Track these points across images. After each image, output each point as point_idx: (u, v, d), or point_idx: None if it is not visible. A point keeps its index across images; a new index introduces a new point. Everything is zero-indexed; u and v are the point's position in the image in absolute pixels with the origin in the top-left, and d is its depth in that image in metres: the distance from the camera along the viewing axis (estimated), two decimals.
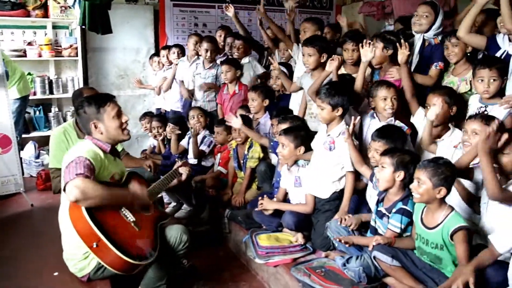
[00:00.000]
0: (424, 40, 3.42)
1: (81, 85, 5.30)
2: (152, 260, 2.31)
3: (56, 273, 2.46)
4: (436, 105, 2.75)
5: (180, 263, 2.78)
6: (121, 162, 2.56)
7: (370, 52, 3.14)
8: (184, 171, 2.93)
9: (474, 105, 2.89)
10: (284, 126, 3.26)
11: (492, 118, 2.46)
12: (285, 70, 4.11)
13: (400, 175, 2.48)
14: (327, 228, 2.81)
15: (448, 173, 2.25)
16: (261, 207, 3.09)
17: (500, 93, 2.83)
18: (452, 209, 2.30)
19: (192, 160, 4.29)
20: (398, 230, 2.47)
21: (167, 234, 2.53)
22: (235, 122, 3.66)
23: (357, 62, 3.48)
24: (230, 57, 4.80)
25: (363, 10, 5.66)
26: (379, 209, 2.61)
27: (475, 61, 3.00)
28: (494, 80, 2.76)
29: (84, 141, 2.44)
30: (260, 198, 3.17)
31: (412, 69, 3.36)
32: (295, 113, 3.71)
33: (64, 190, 2.13)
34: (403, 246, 2.44)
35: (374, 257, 2.36)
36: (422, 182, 2.27)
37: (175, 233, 2.53)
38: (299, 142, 3.07)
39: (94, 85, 5.59)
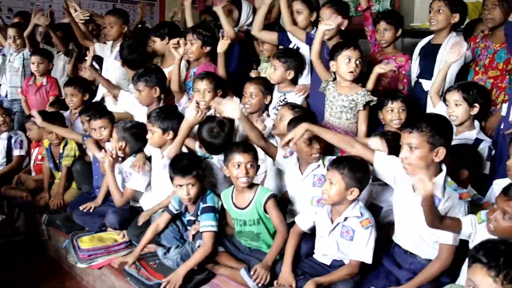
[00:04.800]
0: None
1: None
2: None
3: None
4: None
5: None
6: None
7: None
8: None
9: (275, 95, 3.20)
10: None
11: (296, 105, 2.87)
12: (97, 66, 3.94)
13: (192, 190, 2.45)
14: None
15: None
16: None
17: (294, 81, 3.22)
18: (258, 185, 2.45)
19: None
20: (215, 228, 2.42)
21: None
22: (38, 120, 3.36)
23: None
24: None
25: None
26: (187, 219, 2.59)
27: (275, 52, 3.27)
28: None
29: None
30: None
31: None
32: None
33: None
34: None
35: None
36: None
37: None
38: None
39: None
